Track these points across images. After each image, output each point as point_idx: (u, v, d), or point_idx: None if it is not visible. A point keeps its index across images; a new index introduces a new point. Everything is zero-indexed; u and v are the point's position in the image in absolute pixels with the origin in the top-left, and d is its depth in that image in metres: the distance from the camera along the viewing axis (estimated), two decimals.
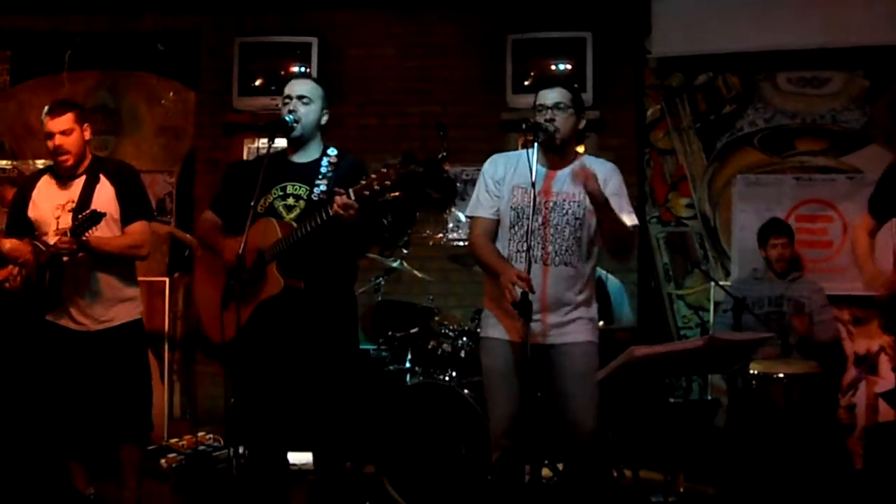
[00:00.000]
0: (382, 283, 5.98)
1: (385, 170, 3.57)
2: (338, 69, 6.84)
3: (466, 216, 4.35)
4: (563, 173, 3.83)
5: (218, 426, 6.25)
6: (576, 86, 4.19)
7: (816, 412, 5.15)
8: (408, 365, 5.41)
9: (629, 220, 3.76)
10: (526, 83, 6.46)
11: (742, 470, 5.07)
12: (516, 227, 3.82)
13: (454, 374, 5.09)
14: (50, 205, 4.43)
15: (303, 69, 6.62)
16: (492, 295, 3.90)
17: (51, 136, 4.37)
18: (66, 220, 4.32)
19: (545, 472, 4.97)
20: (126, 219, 4.46)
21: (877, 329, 5.80)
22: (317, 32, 6.78)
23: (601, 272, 5.47)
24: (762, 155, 6.43)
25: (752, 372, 5.09)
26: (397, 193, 3.60)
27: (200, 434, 6.16)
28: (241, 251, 3.62)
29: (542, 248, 3.78)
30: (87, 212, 4.17)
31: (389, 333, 5.60)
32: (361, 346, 5.38)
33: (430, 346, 5.36)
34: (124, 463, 4.51)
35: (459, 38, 6.83)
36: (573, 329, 3.80)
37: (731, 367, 4.27)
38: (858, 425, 6.04)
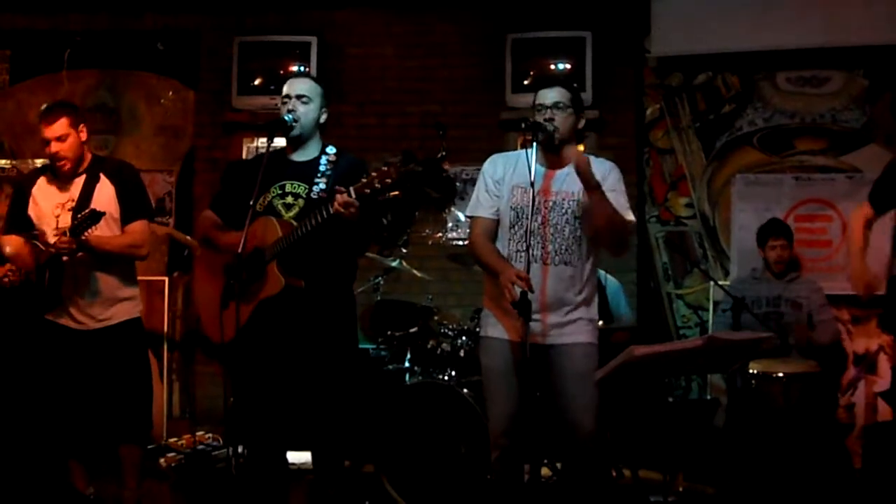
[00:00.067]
0: (382, 282, 5.97)
1: (385, 168, 3.57)
2: (337, 68, 6.84)
3: (466, 216, 4.35)
4: (563, 173, 3.83)
5: (217, 425, 6.25)
6: (575, 85, 4.19)
7: (816, 412, 5.15)
8: (407, 364, 5.41)
9: (626, 216, 3.76)
10: (525, 83, 6.46)
11: (741, 469, 5.07)
12: (516, 227, 3.81)
13: (453, 373, 5.09)
14: (50, 203, 4.43)
15: (302, 68, 6.62)
16: (491, 294, 3.90)
17: (47, 142, 4.37)
18: (66, 219, 4.32)
19: (544, 471, 4.97)
20: (126, 218, 4.45)
21: (876, 328, 5.81)
22: (316, 32, 6.79)
23: (600, 272, 5.47)
24: (761, 154, 6.44)
25: (751, 371, 5.09)
26: (397, 193, 3.60)
27: (199, 433, 6.16)
28: (240, 250, 3.61)
29: (542, 248, 3.78)
30: (87, 211, 4.17)
31: (389, 333, 5.60)
32: (361, 346, 5.38)
33: (429, 346, 5.36)
34: (124, 462, 4.51)
35: (459, 38, 6.83)
36: (573, 329, 3.80)
37: (731, 366, 4.27)
38: (857, 425, 6.04)
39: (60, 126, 4.34)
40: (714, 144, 6.51)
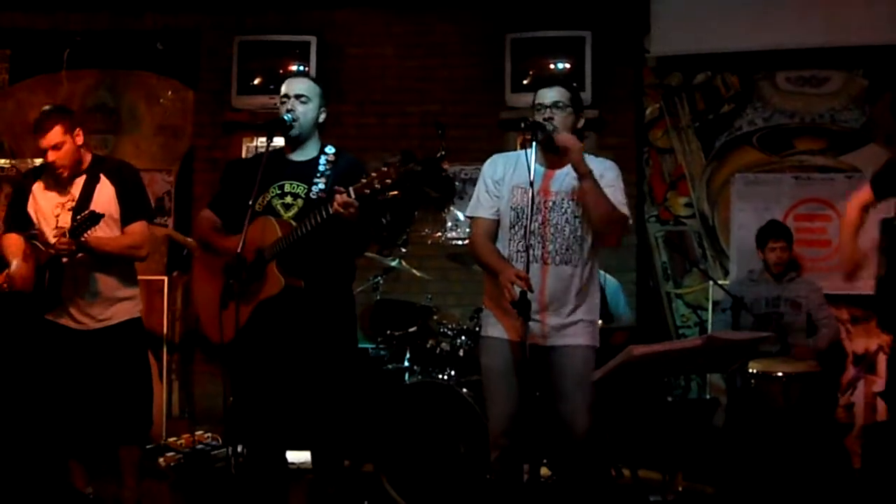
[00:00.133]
0: (381, 281, 5.97)
1: (385, 168, 3.57)
2: (337, 68, 6.84)
3: (466, 216, 4.34)
4: (562, 172, 3.83)
5: (216, 425, 6.25)
6: (574, 85, 4.19)
7: (815, 411, 5.16)
8: (406, 364, 5.41)
9: (621, 209, 3.76)
10: (525, 82, 6.46)
11: (741, 469, 5.07)
12: (516, 227, 3.82)
13: (453, 372, 5.09)
14: (50, 202, 4.43)
15: (302, 68, 6.62)
16: (491, 294, 3.90)
17: (43, 151, 4.36)
18: (66, 219, 4.32)
19: (543, 471, 4.97)
20: (126, 219, 4.45)
21: (875, 328, 5.81)
22: (316, 31, 6.78)
23: (599, 272, 5.47)
24: (761, 154, 6.43)
25: (751, 371, 5.09)
26: (396, 192, 3.60)
27: (199, 433, 6.16)
28: (239, 250, 3.61)
29: (542, 248, 3.78)
30: (86, 213, 4.16)
31: (388, 332, 5.60)
32: (360, 345, 5.38)
33: (428, 345, 5.37)
34: (124, 462, 4.51)
35: (459, 38, 6.83)
36: (573, 331, 3.81)
37: (730, 366, 4.27)
38: (857, 424, 6.04)
39: (55, 135, 4.32)
40: (713, 144, 6.51)
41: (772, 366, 5.10)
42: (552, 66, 6.49)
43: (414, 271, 5.88)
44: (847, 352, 6.09)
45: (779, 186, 6.33)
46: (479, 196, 3.94)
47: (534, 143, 3.65)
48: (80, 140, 4.41)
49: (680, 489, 5.24)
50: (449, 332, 5.34)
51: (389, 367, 5.50)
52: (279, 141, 3.97)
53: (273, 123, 3.94)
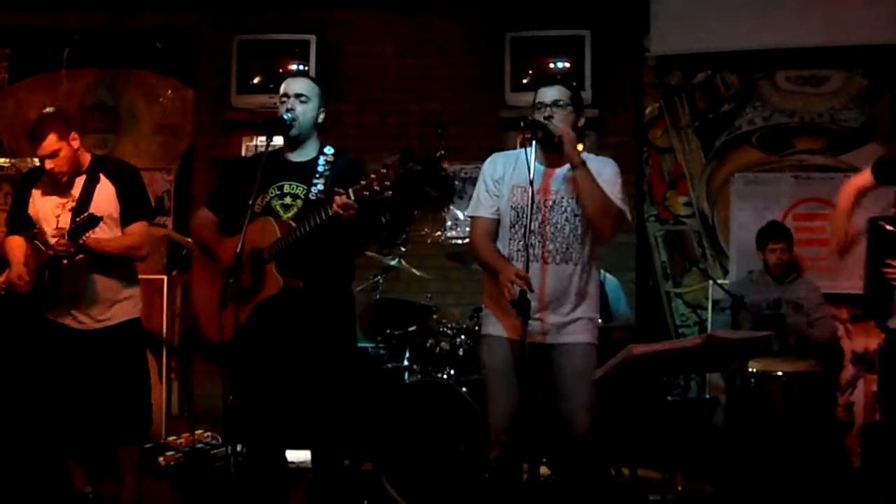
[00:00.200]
0: (381, 281, 5.97)
1: (384, 170, 3.56)
2: (337, 67, 6.84)
3: (467, 216, 4.34)
4: (562, 171, 3.82)
5: (216, 424, 6.25)
6: (574, 84, 4.19)
7: (815, 410, 5.15)
8: (406, 363, 5.41)
9: (617, 203, 3.75)
10: (525, 81, 6.46)
11: (740, 468, 5.07)
12: (516, 227, 3.81)
13: (452, 372, 5.09)
14: (50, 203, 4.43)
15: (301, 67, 6.62)
16: (491, 293, 3.90)
17: (41, 160, 4.36)
18: (66, 219, 4.32)
19: (543, 470, 4.97)
20: (126, 219, 4.45)
21: (875, 327, 5.81)
22: (316, 30, 6.78)
23: (599, 271, 5.47)
24: (760, 153, 6.44)
25: (751, 370, 5.09)
26: (397, 192, 3.60)
27: (198, 432, 6.16)
28: (239, 250, 3.61)
29: (542, 247, 3.78)
30: (85, 215, 4.16)
31: (388, 331, 5.60)
32: (360, 345, 5.37)
33: (428, 345, 5.37)
34: (123, 462, 4.51)
35: (458, 36, 6.83)
36: (574, 329, 3.81)
37: (730, 365, 4.27)
38: (856, 424, 6.04)
39: (49, 143, 4.30)
40: (713, 143, 6.51)
41: (771, 365, 5.10)
42: (552, 65, 6.49)
43: (413, 270, 5.88)
44: (846, 351, 6.09)
45: (778, 186, 6.33)
46: (479, 195, 3.94)
47: (534, 142, 3.65)
48: (76, 144, 4.38)
49: (679, 488, 5.24)
50: (448, 332, 5.34)
51: (389, 366, 5.50)
52: (278, 140, 3.96)
53: (272, 123, 3.94)
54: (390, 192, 3.56)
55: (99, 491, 4.65)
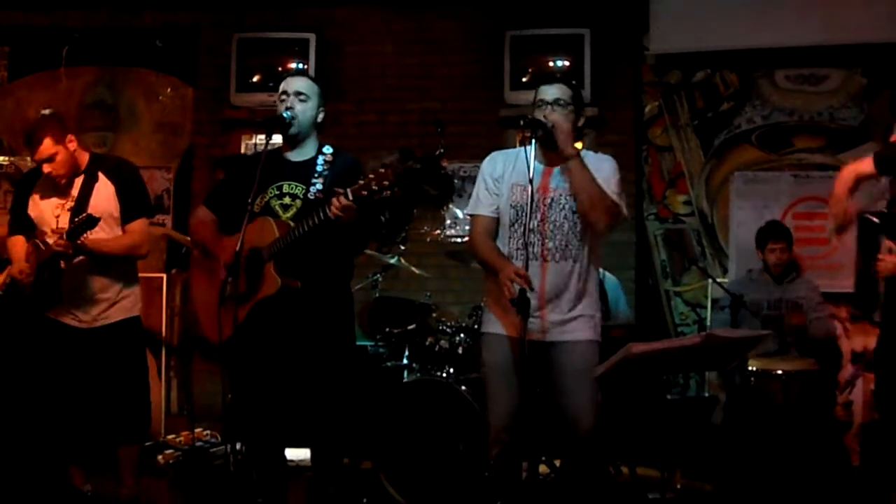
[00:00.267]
0: (380, 279, 5.97)
1: (383, 170, 3.56)
2: (336, 66, 6.84)
3: (466, 214, 4.34)
4: (561, 169, 3.83)
5: (215, 422, 6.25)
6: (574, 83, 4.19)
7: (814, 409, 5.16)
8: (405, 361, 5.41)
9: (612, 196, 3.75)
10: (524, 80, 6.46)
11: (739, 467, 5.07)
12: (516, 225, 3.81)
13: (451, 370, 5.09)
14: (50, 204, 4.43)
15: (301, 65, 6.62)
16: (491, 292, 3.90)
17: (39, 164, 4.36)
18: (66, 220, 4.32)
19: (542, 468, 4.97)
20: (126, 217, 4.45)
21: (874, 326, 5.81)
22: (315, 28, 6.78)
23: (599, 270, 5.47)
24: (760, 152, 6.44)
25: (750, 369, 5.10)
26: (396, 191, 3.60)
27: (198, 430, 6.15)
28: (238, 250, 3.61)
29: (542, 245, 3.78)
30: (83, 216, 4.15)
31: (387, 330, 5.59)
32: (359, 343, 5.37)
33: (427, 343, 5.36)
34: (122, 460, 4.51)
35: (458, 35, 6.83)
36: (574, 327, 3.81)
37: (729, 363, 4.27)
38: (855, 422, 6.04)
39: (46, 148, 4.30)
40: (712, 142, 6.51)
41: (771, 364, 5.11)
42: (551, 64, 6.49)
43: (413, 269, 5.88)
44: (845, 350, 6.09)
45: (778, 184, 6.33)
46: (479, 194, 3.94)
47: (533, 141, 3.65)
48: (72, 146, 4.38)
49: (678, 487, 5.25)
50: (448, 330, 5.34)
51: (388, 364, 5.49)
52: (277, 139, 3.96)
53: (272, 121, 3.94)
54: (389, 192, 3.56)
55: (98, 489, 4.65)
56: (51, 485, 4.63)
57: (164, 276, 6.77)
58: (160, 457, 5.74)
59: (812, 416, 5.12)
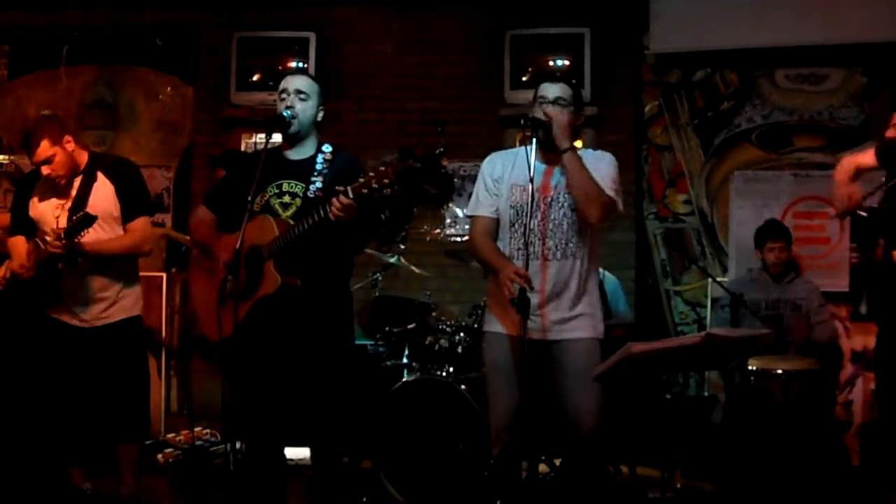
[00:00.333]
0: (380, 278, 5.97)
1: (383, 168, 3.56)
2: (336, 65, 6.84)
3: (466, 215, 4.34)
4: (561, 168, 3.82)
5: (215, 421, 6.25)
6: (574, 82, 4.18)
7: (814, 409, 5.16)
8: (405, 360, 5.41)
9: (608, 191, 3.74)
10: (524, 79, 6.46)
11: (739, 466, 5.07)
12: (516, 225, 3.81)
13: (451, 369, 5.09)
14: (50, 205, 4.42)
15: (301, 64, 6.62)
16: (492, 291, 3.90)
17: (37, 166, 4.35)
18: (65, 220, 4.30)
19: (542, 467, 4.97)
20: (127, 216, 4.44)
21: (874, 325, 5.81)
22: (315, 28, 6.78)
23: (599, 269, 5.47)
24: (760, 151, 6.44)
25: (750, 368, 5.10)
26: (396, 190, 3.59)
27: (197, 429, 6.16)
28: (238, 248, 3.61)
29: (542, 244, 3.78)
30: (80, 214, 4.14)
31: (387, 329, 5.59)
32: (359, 342, 5.37)
33: (427, 342, 5.36)
34: (122, 459, 4.51)
35: (458, 35, 6.82)
36: (575, 325, 3.81)
37: (729, 363, 4.27)
38: (855, 422, 6.04)
39: (43, 150, 4.29)
40: (712, 141, 6.51)
41: (771, 363, 5.10)
42: (551, 63, 6.49)
43: (413, 268, 5.88)
44: (845, 350, 6.09)
45: (778, 184, 6.33)
46: (479, 194, 3.94)
47: (534, 140, 3.65)
48: (70, 147, 4.36)
49: (678, 486, 5.25)
50: (447, 329, 5.34)
51: (388, 363, 5.49)
52: (277, 138, 3.96)
53: (272, 120, 3.94)
54: (389, 190, 3.56)
55: (98, 488, 4.65)
56: (51, 483, 4.63)
57: (164, 275, 6.76)
58: (160, 456, 5.75)
59: (812, 416, 5.12)
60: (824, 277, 5.85)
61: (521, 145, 3.81)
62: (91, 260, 4.32)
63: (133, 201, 4.46)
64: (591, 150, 3.94)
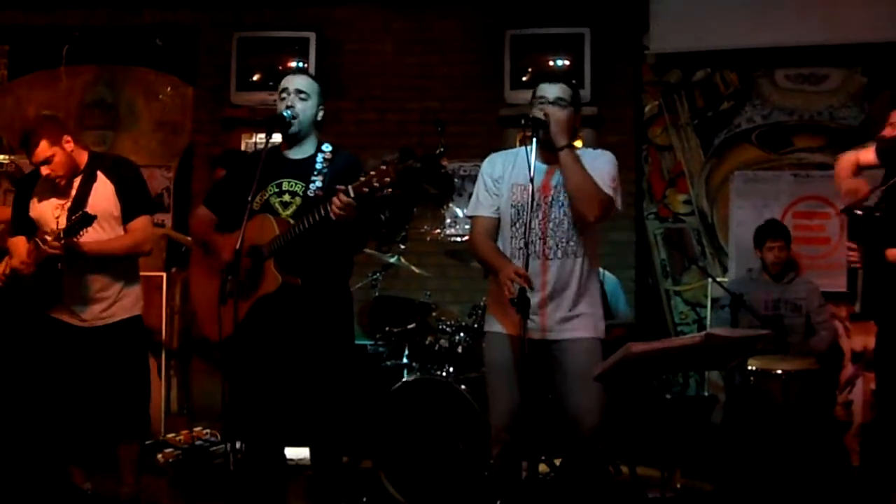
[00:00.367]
0: (380, 278, 5.97)
1: (384, 167, 3.56)
2: (336, 64, 6.84)
3: (466, 215, 4.34)
4: None
5: (215, 421, 6.25)
6: (574, 83, 4.19)
7: (814, 409, 5.16)
8: (405, 360, 5.41)
9: (605, 189, 3.73)
10: (524, 79, 6.46)
11: (739, 466, 5.07)
12: (517, 225, 3.81)
13: (451, 369, 5.09)
14: (50, 205, 4.42)
15: (301, 64, 6.62)
16: (493, 291, 3.90)
17: (36, 166, 4.35)
18: (65, 220, 4.31)
19: (542, 467, 4.97)
20: (127, 216, 4.44)
21: (874, 325, 5.81)
22: (315, 28, 6.78)
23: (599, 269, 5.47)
24: (760, 151, 6.44)
25: (750, 368, 5.10)
26: (396, 189, 3.60)
27: (197, 429, 6.16)
28: (238, 247, 3.61)
29: (542, 243, 3.77)
30: (79, 214, 4.14)
31: (387, 329, 5.59)
32: (359, 342, 5.37)
33: (427, 342, 5.36)
34: (122, 459, 4.51)
35: (458, 34, 6.83)
36: (576, 325, 3.81)
37: (729, 363, 4.27)
38: (855, 422, 6.04)
39: (42, 150, 4.29)
40: (712, 141, 6.51)
41: (771, 363, 5.10)
42: (551, 63, 6.49)
43: (413, 268, 5.88)
44: (845, 349, 6.09)
45: (777, 184, 6.33)
46: (479, 195, 3.94)
47: (534, 140, 3.65)
48: (69, 147, 4.35)
49: (678, 486, 5.25)
50: (447, 329, 5.34)
51: (388, 363, 5.49)
52: (277, 137, 3.96)
53: (272, 120, 3.94)
54: (390, 190, 3.56)
55: (98, 488, 4.65)
56: (51, 483, 4.63)
57: (164, 275, 6.76)
58: (160, 455, 5.74)
59: (812, 416, 5.12)
60: (824, 277, 5.85)
61: (521, 145, 3.81)
62: (91, 260, 4.32)
63: (133, 201, 4.46)
64: (590, 149, 3.94)
